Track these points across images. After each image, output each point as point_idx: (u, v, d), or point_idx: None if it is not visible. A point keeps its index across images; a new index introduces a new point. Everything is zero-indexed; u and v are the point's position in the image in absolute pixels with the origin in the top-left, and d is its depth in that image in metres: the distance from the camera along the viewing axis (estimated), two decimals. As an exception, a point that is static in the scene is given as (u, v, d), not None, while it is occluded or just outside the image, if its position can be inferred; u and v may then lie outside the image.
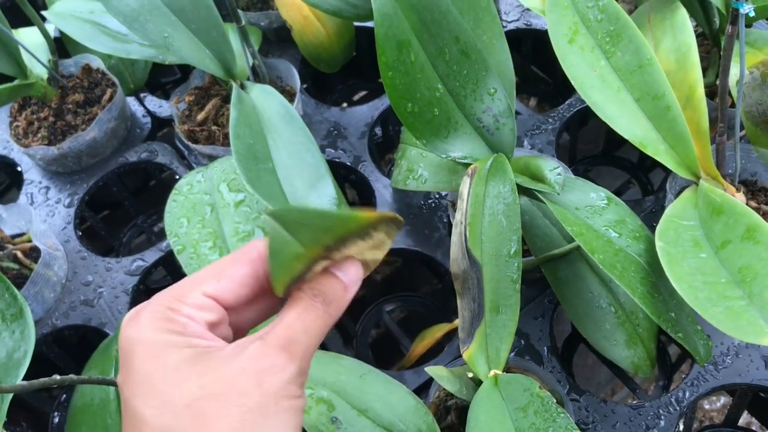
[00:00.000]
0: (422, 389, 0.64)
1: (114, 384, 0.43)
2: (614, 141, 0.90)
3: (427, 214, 0.74)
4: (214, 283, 0.31)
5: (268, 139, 0.66)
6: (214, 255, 0.62)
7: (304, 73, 0.88)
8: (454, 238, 0.53)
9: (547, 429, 0.44)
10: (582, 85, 0.59)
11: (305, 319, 0.31)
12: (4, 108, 0.84)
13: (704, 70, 0.72)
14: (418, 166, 0.67)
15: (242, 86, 0.70)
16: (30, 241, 0.74)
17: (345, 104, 0.98)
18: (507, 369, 0.54)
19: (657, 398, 0.59)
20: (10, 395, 0.53)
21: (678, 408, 0.58)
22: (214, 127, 0.77)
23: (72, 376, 0.39)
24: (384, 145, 0.95)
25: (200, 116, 0.78)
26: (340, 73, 0.91)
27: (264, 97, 0.69)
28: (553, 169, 0.57)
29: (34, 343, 0.56)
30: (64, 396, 0.77)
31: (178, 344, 0.29)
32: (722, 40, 0.62)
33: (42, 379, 0.38)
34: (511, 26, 0.87)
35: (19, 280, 0.71)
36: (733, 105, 0.62)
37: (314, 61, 0.87)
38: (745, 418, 0.87)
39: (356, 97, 1.05)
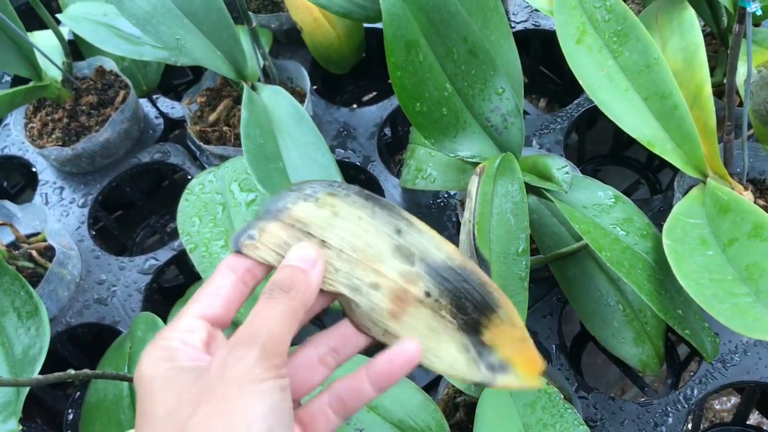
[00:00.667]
0: (431, 387, 0.64)
1: (127, 379, 0.44)
2: (623, 141, 0.90)
3: (436, 214, 0.74)
4: (198, 304, 0.34)
5: (278, 139, 0.66)
6: (225, 253, 0.63)
7: (314, 74, 0.89)
8: (463, 236, 0.54)
9: (554, 424, 0.44)
10: (590, 84, 0.59)
11: (263, 310, 0.33)
12: (20, 110, 0.85)
13: (712, 70, 0.72)
14: (427, 165, 0.68)
15: (253, 87, 0.71)
16: (45, 240, 0.75)
17: (355, 105, 0.98)
18: (515, 366, 0.54)
19: (665, 396, 0.59)
20: (26, 390, 0.54)
21: (686, 405, 0.58)
22: (225, 128, 0.78)
23: (86, 371, 0.40)
24: (393, 145, 0.95)
25: (212, 117, 0.79)
26: (350, 75, 0.92)
27: (274, 98, 0.69)
28: (561, 167, 0.58)
29: (49, 339, 0.57)
30: (78, 393, 0.78)
31: (168, 370, 0.32)
32: (730, 39, 0.62)
33: (57, 374, 0.38)
34: (519, 27, 0.88)
35: (34, 279, 0.72)
36: (741, 104, 0.62)
37: (324, 63, 0.87)
38: (756, 418, 0.87)
39: (366, 98, 1.06)
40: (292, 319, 0.33)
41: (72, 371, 0.39)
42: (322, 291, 0.36)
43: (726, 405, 1.21)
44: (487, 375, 0.35)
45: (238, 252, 0.36)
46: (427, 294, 0.36)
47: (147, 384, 0.32)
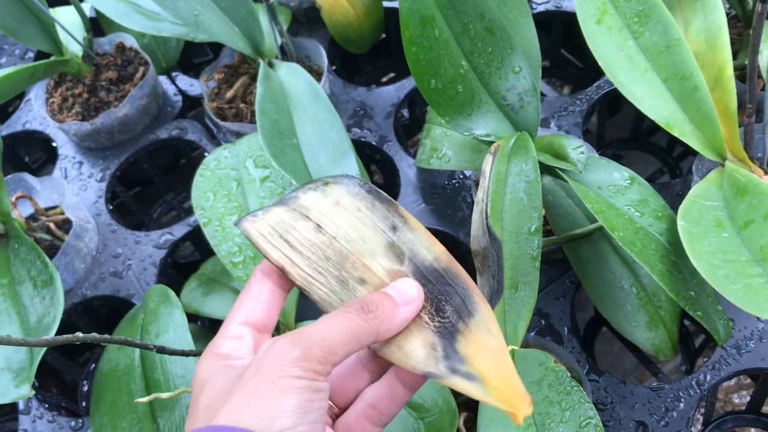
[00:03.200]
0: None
1: (135, 345, 0.44)
2: (644, 126, 0.89)
3: (450, 194, 0.74)
4: (242, 311, 0.36)
5: (293, 115, 0.66)
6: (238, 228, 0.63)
7: (333, 53, 0.89)
8: (475, 215, 0.53)
9: (560, 402, 0.44)
10: (609, 65, 0.58)
11: (330, 318, 0.34)
12: (41, 85, 0.86)
13: (736, 53, 0.70)
14: (442, 145, 0.67)
15: (270, 64, 0.71)
16: (63, 213, 0.76)
17: (373, 85, 0.98)
18: (526, 347, 0.54)
19: (677, 381, 0.59)
20: (39, 357, 0.55)
21: (699, 391, 0.57)
22: (242, 105, 0.78)
23: (94, 334, 0.40)
24: (410, 126, 0.95)
25: (229, 94, 0.79)
26: (368, 55, 0.92)
27: (291, 75, 0.69)
28: (576, 147, 0.57)
29: (62, 308, 0.58)
30: (93, 366, 0.79)
31: (218, 370, 0.34)
32: (754, 20, 0.61)
33: (65, 336, 0.39)
34: (540, 8, 0.87)
35: (51, 251, 0.73)
36: (764, 87, 0.61)
37: (343, 42, 0.87)
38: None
39: (384, 79, 1.05)
40: (354, 338, 0.33)
41: (80, 334, 0.39)
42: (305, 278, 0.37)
43: (745, 399, 1.20)
44: (443, 371, 0.34)
45: (237, 224, 0.38)
46: None
47: (199, 385, 0.34)
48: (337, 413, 0.37)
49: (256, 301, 0.36)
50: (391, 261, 0.37)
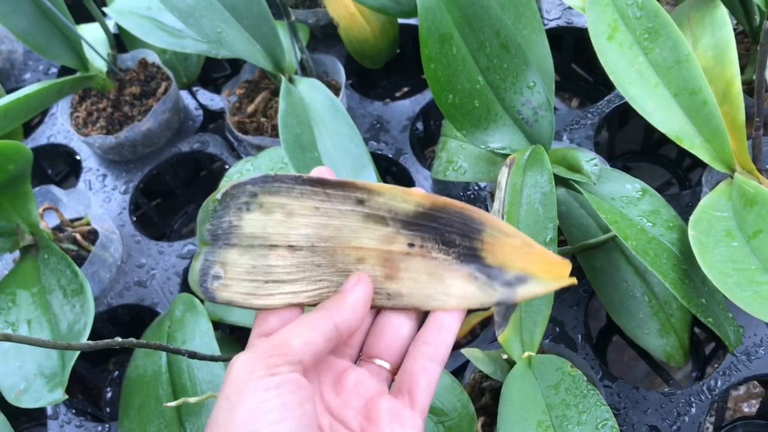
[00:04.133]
0: (459, 372, 0.66)
1: (168, 350, 0.46)
2: (654, 139, 0.91)
3: (466, 206, 0.76)
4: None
5: (314, 129, 0.69)
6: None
7: (349, 69, 0.91)
8: (492, 225, 0.55)
9: (577, 405, 0.45)
10: (620, 80, 0.60)
11: (296, 321, 0.35)
12: (66, 99, 0.88)
13: (744, 67, 0.72)
14: (458, 157, 0.69)
15: (290, 80, 0.73)
16: (89, 224, 0.78)
17: (388, 100, 1.00)
18: (541, 353, 0.56)
19: (689, 386, 0.60)
20: (72, 362, 0.57)
21: (709, 396, 0.59)
22: (262, 119, 0.81)
23: (132, 339, 0.42)
24: (425, 139, 0.97)
25: (250, 108, 0.82)
26: (383, 70, 0.94)
27: (311, 91, 0.71)
28: (590, 160, 0.59)
29: (93, 316, 0.60)
30: (117, 373, 0.81)
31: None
32: (761, 36, 0.63)
33: (106, 340, 0.41)
34: (552, 24, 0.89)
35: (78, 261, 0.75)
36: (771, 101, 0.63)
37: (359, 57, 0.89)
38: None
39: (398, 93, 1.07)
40: (311, 329, 0.34)
41: (119, 339, 0.41)
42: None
43: (754, 408, 1.21)
44: (506, 292, 0.36)
45: (213, 300, 0.35)
46: (411, 245, 0.37)
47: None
48: (392, 371, 0.38)
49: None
50: (375, 230, 0.37)
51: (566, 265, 0.36)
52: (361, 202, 0.37)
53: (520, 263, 0.36)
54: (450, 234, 0.36)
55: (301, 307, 0.37)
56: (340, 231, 0.37)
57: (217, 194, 0.36)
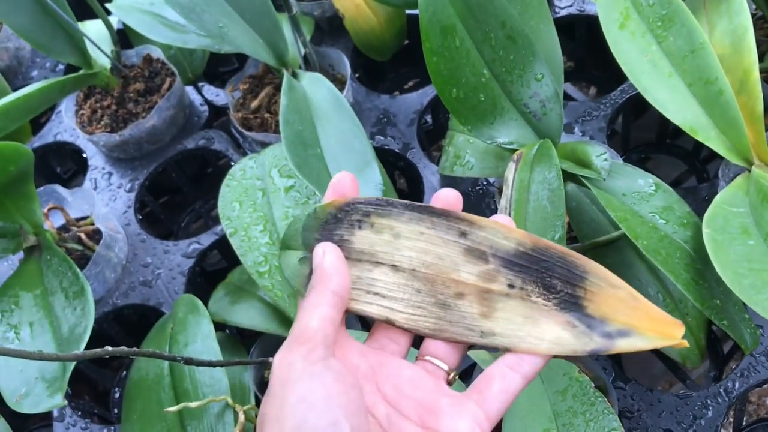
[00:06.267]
0: (466, 374, 0.64)
1: (163, 357, 0.45)
2: (669, 129, 0.88)
3: (474, 201, 0.74)
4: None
5: (317, 125, 0.67)
6: (264, 238, 0.64)
7: (356, 61, 0.89)
8: (498, 223, 0.53)
9: (584, 412, 0.44)
10: (632, 70, 0.58)
11: (300, 308, 0.36)
12: (71, 97, 0.88)
13: (762, 55, 0.70)
14: (465, 152, 0.68)
15: (294, 74, 0.72)
16: (93, 223, 0.77)
17: (396, 92, 0.98)
18: (550, 354, 0.54)
19: (705, 388, 0.58)
20: (72, 367, 0.56)
21: (727, 399, 0.57)
22: (267, 115, 0.79)
23: (123, 348, 0.41)
24: (433, 132, 0.95)
25: (254, 104, 0.80)
26: (391, 62, 0.92)
27: (314, 85, 0.70)
28: (599, 154, 0.57)
29: (93, 319, 0.59)
30: (125, 373, 0.81)
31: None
32: (780, 22, 0.60)
33: (95, 350, 0.40)
34: (564, 12, 0.86)
35: (83, 261, 0.74)
36: (791, 90, 0.60)
37: (365, 49, 0.88)
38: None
39: (407, 85, 1.05)
40: (316, 306, 0.35)
41: (109, 348, 0.40)
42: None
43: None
44: (603, 342, 0.35)
45: None
46: (511, 286, 0.36)
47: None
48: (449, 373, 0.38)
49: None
50: (476, 264, 0.37)
51: (677, 326, 0.35)
52: (463, 234, 0.37)
53: (624, 317, 0.35)
54: (552, 279, 0.36)
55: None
56: (441, 260, 0.37)
57: (330, 208, 0.38)
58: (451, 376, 0.38)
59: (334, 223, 0.38)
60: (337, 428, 0.30)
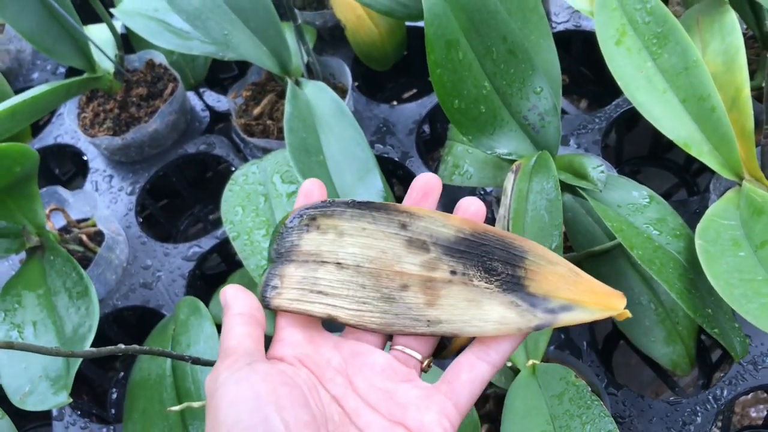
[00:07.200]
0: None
1: (172, 356, 0.46)
2: (662, 143, 0.90)
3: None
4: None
5: (320, 133, 0.68)
6: (266, 242, 0.65)
7: (356, 71, 0.91)
8: (497, 231, 0.55)
9: (580, 415, 0.45)
10: (628, 85, 0.60)
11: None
12: (73, 100, 0.88)
13: (753, 73, 0.72)
14: (464, 162, 0.69)
15: (297, 83, 0.73)
16: (95, 225, 0.78)
17: (395, 102, 1.00)
18: (546, 361, 0.55)
19: (695, 395, 0.60)
20: (77, 365, 0.57)
21: (715, 405, 0.59)
22: (269, 122, 0.81)
23: (135, 346, 0.42)
24: (431, 142, 0.97)
25: (256, 111, 0.81)
26: (391, 72, 0.94)
27: (317, 94, 0.71)
28: (596, 166, 0.58)
29: (98, 318, 0.60)
30: (122, 374, 0.81)
31: None
32: (771, 42, 0.63)
33: (109, 347, 0.41)
34: (560, 27, 0.88)
35: (83, 262, 0.75)
36: (780, 107, 0.62)
37: (366, 59, 0.89)
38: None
39: (406, 95, 1.07)
40: (229, 331, 0.36)
41: (122, 345, 0.41)
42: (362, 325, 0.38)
43: (762, 413, 1.20)
44: (546, 317, 0.35)
45: (267, 306, 0.38)
46: (453, 272, 0.37)
47: None
48: (422, 362, 0.38)
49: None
50: (417, 255, 0.37)
51: (619, 298, 0.35)
52: (404, 226, 0.38)
53: (567, 293, 0.36)
54: (492, 261, 0.37)
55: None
56: (384, 253, 0.38)
57: (284, 219, 0.39)
58: (425, 363, 0.38)
59: (287, 232, 0.39)
60: (269, 423, 0.31)
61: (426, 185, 0.40)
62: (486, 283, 0.36)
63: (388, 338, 0.39)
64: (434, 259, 0.37)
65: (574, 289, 0.35)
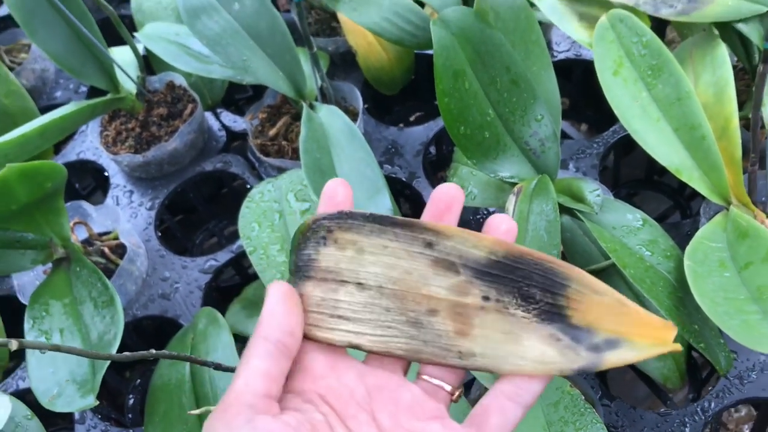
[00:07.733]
0: (465, 388, 0.69)
1: (196, 362, 0.50)
2: (656, 168, 0.94)
3: (475, 228, 0.79)
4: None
5: (332, 154, 0.72)
6: (281, 257, 0.69)
7: (365, 94, 0.95)
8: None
9: (575, 422, 0.49)
10: (624, 114, 0.64)
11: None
12: (96, 119, 0.93)
13: (743, 103, 0.76)
14: (469, 183, 0.73)
15: (311, 106, 0.77)
16: (117, 238, 0.82)
17: (402, 124, 1.04)
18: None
19: (684, 407, 0.63)
20: (103, 370, 0.61)
21: (703, 417, 0.62)
22: (284, 142, 0.85)
23: (164, 351, 0.46)
24: (437, 163, 1.01)
25: (272, 132, 0.86)
26: (398, 95, 0.98)
27: (330, 117, 0.75)
28: (593, 190, 0.62)
29: (123, 326, 0.64)
30: (139, 381, 0.85)
31: None
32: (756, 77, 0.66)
33: (142, 352, 0.45)
34: (561, 56, 0.93)
35: (106, 273, 0.78)
36: (767, 138, 0.66)
37: (375, 83, 0.93)
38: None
39: (412, 118, 1.11)
40: (246, 361, 0.33)
41: (153, 350, 0.45)
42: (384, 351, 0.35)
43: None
44: (591, 357, 0.32)
45: None
46: (486, 298, 0.34)
47: None
48: (452, 393, 0.36)
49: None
50: (446, 277, 0.34)
51: (670, 329, 0.32)
52: (429, 245, 0.34)
53: (612, 325, 0.32)
54: (530, 288, 0.33)
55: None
56: (408, 274, 0.35)
57: (301, 228, 0.36)
58: (456, 395, 0.36)
59: (304, 243, 0.36)
60: None
61: (448, 196, 0.37)
62: (523, 311, 0.33)
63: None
64: (464, 283, 0.34)
65: (620, 320, 0.32)
